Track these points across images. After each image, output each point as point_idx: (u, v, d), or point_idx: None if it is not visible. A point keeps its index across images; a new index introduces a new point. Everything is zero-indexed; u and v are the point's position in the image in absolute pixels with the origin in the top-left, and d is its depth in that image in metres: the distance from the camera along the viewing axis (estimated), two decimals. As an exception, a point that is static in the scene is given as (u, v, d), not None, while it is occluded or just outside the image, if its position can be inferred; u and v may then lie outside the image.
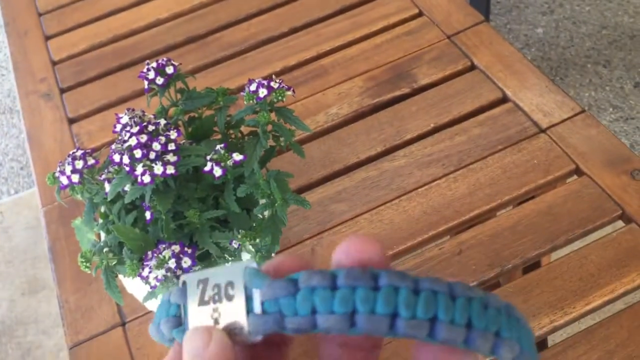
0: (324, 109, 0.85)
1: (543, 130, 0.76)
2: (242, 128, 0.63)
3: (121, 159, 0.53)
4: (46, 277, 1.55)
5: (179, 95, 0.63)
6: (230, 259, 0.54)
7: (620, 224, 0.68)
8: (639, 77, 1.77)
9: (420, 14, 0.94)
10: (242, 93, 0.59)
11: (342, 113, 0.84)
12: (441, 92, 0.83)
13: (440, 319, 0.18)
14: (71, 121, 0.91)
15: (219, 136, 0.63)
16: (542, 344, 0.65)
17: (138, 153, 0.52)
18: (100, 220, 0.59)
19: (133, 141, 0.52)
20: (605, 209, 0.68)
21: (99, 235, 0.61)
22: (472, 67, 0.86)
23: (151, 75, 0.61)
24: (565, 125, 0.76)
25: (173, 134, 0.54)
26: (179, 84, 0.63)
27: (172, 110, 0.62)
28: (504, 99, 0.81)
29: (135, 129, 0.53)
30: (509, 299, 0.63)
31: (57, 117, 0.92)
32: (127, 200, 0.54)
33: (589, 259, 0.64)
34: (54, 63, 1.00)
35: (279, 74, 0.90)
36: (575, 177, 0.73)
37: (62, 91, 0.96)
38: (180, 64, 0.63)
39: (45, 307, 1.52)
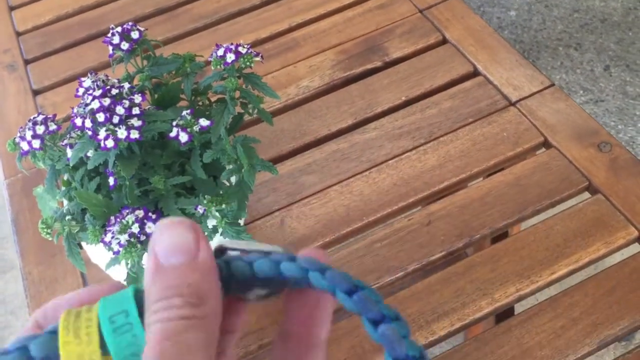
0: (295, 82, 0.84)
1: (513, 104, 0.77)
2: (210, 95, 0.61)
3: (83, 122, 0.51)
4: (14, 257, 1.52)
5: (145, 62, 0.61)
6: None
7: (586, 195, 0.69)
8: (609, 60, 1.79)
9: (392, -12, 0.94)
10: (209, 58, 0.58)
11: (314, 86, 0.83)
12: (413, 66, 0.83)
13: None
14: (36, 93, 0.89)
15: (186, 103, 0.61)
16: (508, 312, 0.66)
17: (101, 117, 0.51)
18: (63, 188, 0.57)
19: (95, 104, 0.51)
20: (572, 180, 0.69)
21: (62, 204, 0.60)
22: (444, 41, 0.86)
23: (116, 40, 0.59)
24: (535, 98, 0.77)
25: (137, 98, 0.53)
26: (146, 51, 0.61)
27: (137, 77, 0.61)
28: (475, 73, 0.81)
29: (98, 92, 0.52)
30: (477, 269, 0.63)
31: (21, 89, 0.89)
32: (90, 166, 0.53)
33: (555, 230, 0.65)
34: (19, 34, 0.97)
35: (250, 46, 0.89)
36: (543, 149, 0.73)
37: (27, 62, 0.93)
38: (147, 29, 0.61)
39: (13, 287, 1.49)
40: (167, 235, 0.20)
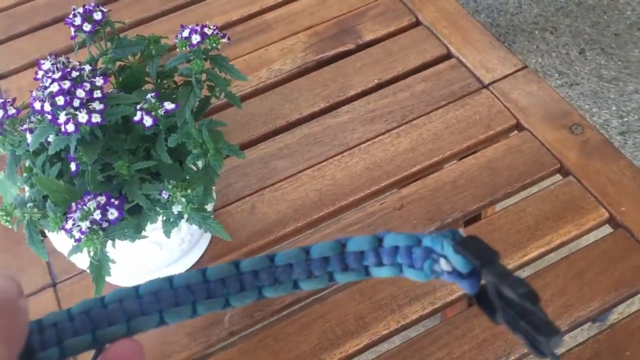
0: (266, 65, 0.82)
1: (485, 86, 0.76)
2: (177, 78, 0.60)
3: (42, 106, 0.50)
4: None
5: (108, 45, 0.60)
6: (161, 211, 0.52)
7: (558, 177, 0.69)
8: (584, 43, 1.80)
9: (366, -30, 0.92)
10: (175, 40, 0.56)
11: (286, 69, 0.82)
12: (386, 49, 0.82)
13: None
14: (0, 77, 0.86)
15: (152, 87, 0.60)
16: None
17: (60, 100, 0.49)
18: (25, 174, 0.56)
19: (55, 87, 0.49)
20: (544, 162, 0.69)
21: (23, 190, 0.58)
22: (417, 24, 0.85)
23: (78, 21, 0.57)
24: (507, 81, 0.76)
25: (99, 81, 0.51)
26: (110, 34, 0.59)
27: (101, 60, 0.59)
28: (448, 55, 0.81)
29: (57, 75, 0.50)
30: (449, 252, 0.63)
31: (-16, 73, 0.87)
32: (51, 151, 0.52)
33: (527, 212, 0.65)
34: (-18, 16, 0.94)
35: (221, 29, 0.87)
36: (516, 132, 0.73)
37: (-9, 46, 0.90)
38: (110, 10, 0.60)
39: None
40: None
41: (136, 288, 0.22)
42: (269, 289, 0.22)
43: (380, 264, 0.22)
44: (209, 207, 0.60)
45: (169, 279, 0.22)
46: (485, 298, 0.21)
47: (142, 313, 0.21)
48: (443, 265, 0.22)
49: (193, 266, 0.65)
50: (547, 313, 0.20)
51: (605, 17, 1.86)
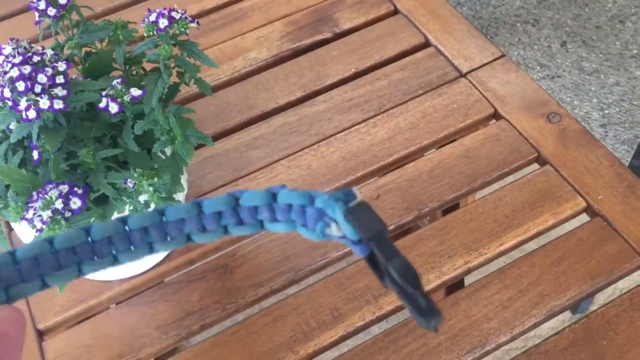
0: (242, 54, 0.81)
1: (463, 75, 0.75)
2: (145, 64, 0.58)
3: (2, 92, 0.48)
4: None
5: (75, 31, 0.58)
6: (128, 200, 0.50)
7: (535, 166, 0.68)
8: (566, 36, 1.80)
9: (343, -43, 0.91)
10: (141, 24, 0.55)
11: (261, 58, 0.80)
12: (363, 37, 0.81)
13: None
14: (-33, 66, 0.84)
15: (121, 73, 0.58)
16: (458, 285, 0.65)
17: (21, 86, 0.48)
18: (-13, 164, 0.54)
19: (15, 72, 0.48)
20: (522, 151, 0.68)
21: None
22: (395, 12, 0.84)
23: (42, 5, 0.56)
24: (485, 69, 0.75)
25: (62, 66, 0.50)
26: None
27: (67, 46, 0.57)
28: (426, 44, 0.80)
29: (17, 60, 0.48)
30: (425, 242, 0.62)
31: (-49, 62, 0.84)
32: (12, 139, 0.50)
33: (504, 201, 0.64)
34: (-51, 5, 0.92)
35: (196, 17, 0.85)
36: (493, 121, 0.72)
37: (-42, 34, 0.88)
38: (76, -6, 0.58)
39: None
40: None
41: (12, 252, 0.21)
42: (160, 244, 0.22)
43: (274, 219, 0.22)
44: (180, 196, 0.59)
45: (49, 240, 0.21)
46: (377, 262, 0.20)
47: (22, 279, 0.20)
48: (334, 230, 0.21)
49: (167, 256, 0.63)
50: (428, 295, 0.20)
51: (586, 10, 1.86)
